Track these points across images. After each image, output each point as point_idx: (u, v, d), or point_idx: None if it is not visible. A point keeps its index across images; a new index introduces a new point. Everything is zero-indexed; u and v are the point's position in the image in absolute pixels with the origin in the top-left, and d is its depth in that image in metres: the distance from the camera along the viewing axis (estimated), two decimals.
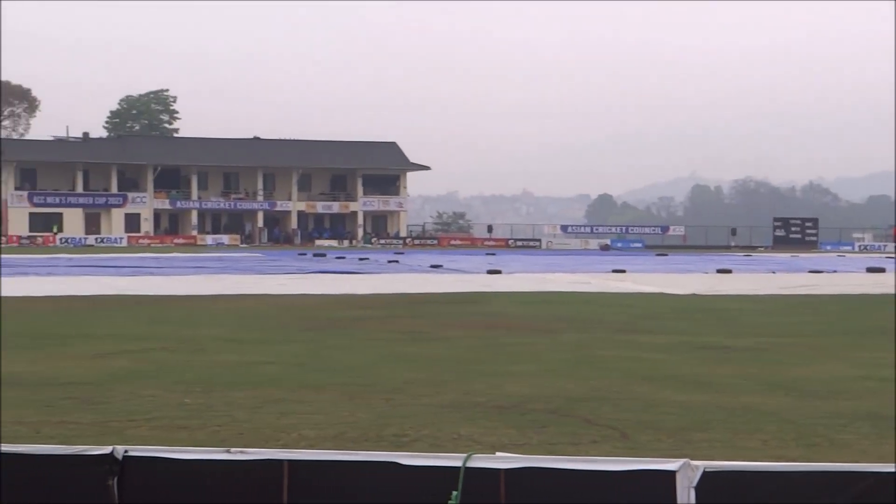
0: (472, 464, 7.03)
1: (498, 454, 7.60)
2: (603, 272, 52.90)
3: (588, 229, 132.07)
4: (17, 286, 37.80)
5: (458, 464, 7.03)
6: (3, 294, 33.77)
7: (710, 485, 6.84)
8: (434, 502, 6.99)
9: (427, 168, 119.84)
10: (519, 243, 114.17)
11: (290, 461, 7.31)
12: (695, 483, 6.83)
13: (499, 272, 50.16)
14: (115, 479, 7.36)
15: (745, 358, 18.67)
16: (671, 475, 6.86)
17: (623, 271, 53.18)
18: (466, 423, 12.59)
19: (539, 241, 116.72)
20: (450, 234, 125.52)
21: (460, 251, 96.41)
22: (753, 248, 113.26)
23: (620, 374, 16.51)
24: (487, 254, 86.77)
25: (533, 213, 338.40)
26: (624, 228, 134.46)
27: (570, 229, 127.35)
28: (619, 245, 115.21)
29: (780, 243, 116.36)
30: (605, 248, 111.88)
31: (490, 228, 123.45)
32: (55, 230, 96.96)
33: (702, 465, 6.91)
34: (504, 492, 6.99)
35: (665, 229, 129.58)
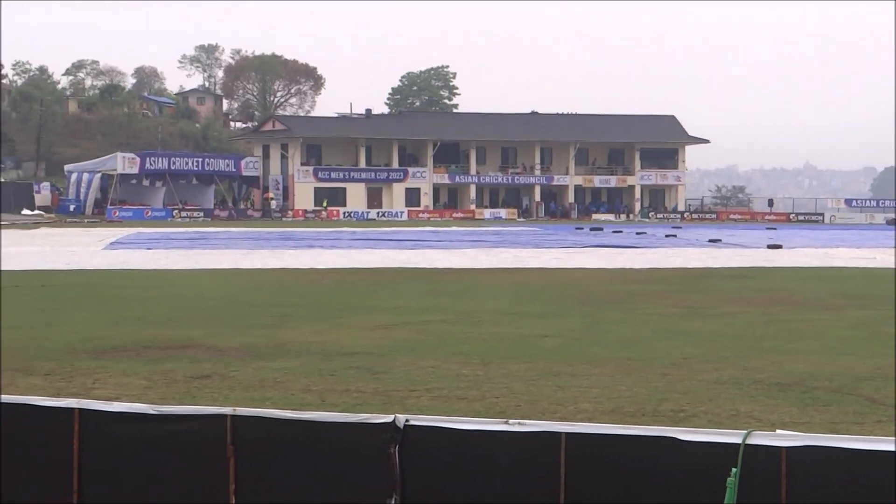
0: (753, 441, 6.93)
1: (779, 432, 7.48)
2: (889, 247, 51.16)
3: (873, 203, 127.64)
4: (303, 259, 39.03)
5: (738, 440, 6.95)
6: (291, 266, 34.94)
7: None
8: (713, 478, 6.92)
9: (706, 141, 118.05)
10: (800, 218, 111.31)
11: (567, 433, 7.35)
12: None
13: (779, 247, 49.06)
14: (397, 447, 7.54)
15: None
16: None
17: None
18: (746, 399, 12.41)
19: (822, 215, 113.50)
20: (729, 209, 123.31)
21: (740, 225, 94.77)
22: None
23: None
24: (768, 228, 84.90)
25: (816, 187, 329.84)
26: None
27: (854, 203, 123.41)
28: None
29: None
30: (891, 222, 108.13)
31: (771, 202, 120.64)
32: (325, 204, 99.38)
33: None
34: (785, 470, 6.87)
35: None
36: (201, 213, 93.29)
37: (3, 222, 72.90)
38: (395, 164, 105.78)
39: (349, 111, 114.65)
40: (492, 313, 21.16)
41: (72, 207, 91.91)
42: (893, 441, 6.92)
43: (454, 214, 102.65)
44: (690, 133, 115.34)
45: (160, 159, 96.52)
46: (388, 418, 7.62)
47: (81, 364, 14.76)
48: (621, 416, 11.41)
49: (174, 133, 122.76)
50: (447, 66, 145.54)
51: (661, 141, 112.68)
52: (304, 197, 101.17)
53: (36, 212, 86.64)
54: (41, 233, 61.34)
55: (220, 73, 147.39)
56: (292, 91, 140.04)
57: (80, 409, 8.18)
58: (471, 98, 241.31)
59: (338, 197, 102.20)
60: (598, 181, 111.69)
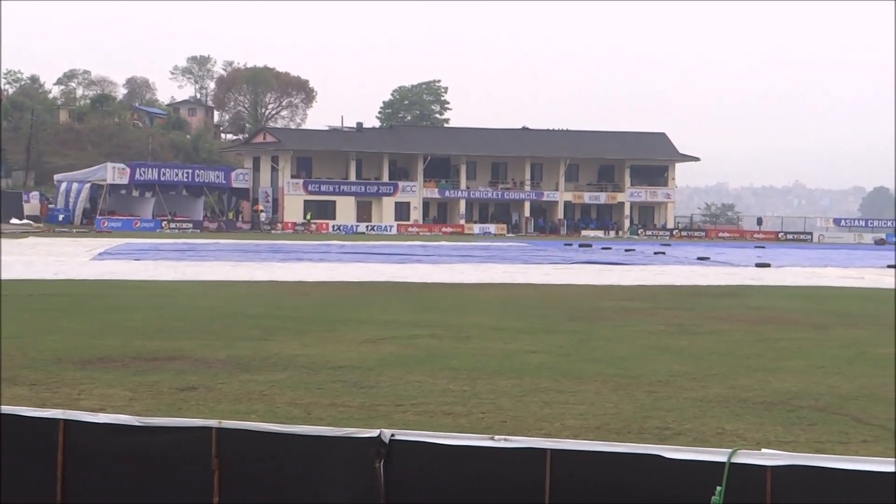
0: (738, 459, 6.92)
1: (764, 451, 7.46)
2: (878, 267, 51.26)
3: (862, 223, 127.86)
4: (292, 272, 39.01)
5: (723, 459, 6.94)
6: (280, 279, 34.91)
7: None
8: (697, 497, 6.91)
9: (696, 159, 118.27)
10: (789, 236, 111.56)
11: (553, 450, 7.34)
12: None
13: (768, 265, 49.14)
14: (382, 462, 7.53)
15: None
16: None
17: None
18: (732, 418, 12.41)
19: (810, 234, 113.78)
20: (718, 227, 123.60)
21: (728, 243, 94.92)
22: None
23: (894, 372, 15.98)
24: (756, 246, 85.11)
25: (805, 206, 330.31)
26: None
27: (843, 223, 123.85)
28: None
29: None
30: (880, 242, 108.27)
31: (760, 221, 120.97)
32: (308, 217, 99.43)
33: None
34: (770, 490, 6.86)
35: None
36: (190, 225, 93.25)
37: None
38: (386, 178, 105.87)
39: (340, 125, 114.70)
40: (480, 328, 21.15)
41: (60, 217, 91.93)
42: (879, 461, 6.92)
43: (443, 229, 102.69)
44: (681, 150, 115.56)
45: (150, 170, 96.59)
46: (374, 433, 7.60)
47: (67, 374, 14.72)
48: (607, 433, 11.40)
49: (165, 144, 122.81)
50: (439, 81, 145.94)
51: (651, 158, 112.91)
52: (293, 209, 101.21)
53: (24, 221, 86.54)
54: (29, 242, 61.28)
55: (212, 85, 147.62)
56: (284, 104, 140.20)
57: (65, 420, 8.15)
58: (462, 113, 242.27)
59: (327, 210, 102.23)
60: (587, 197, 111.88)
